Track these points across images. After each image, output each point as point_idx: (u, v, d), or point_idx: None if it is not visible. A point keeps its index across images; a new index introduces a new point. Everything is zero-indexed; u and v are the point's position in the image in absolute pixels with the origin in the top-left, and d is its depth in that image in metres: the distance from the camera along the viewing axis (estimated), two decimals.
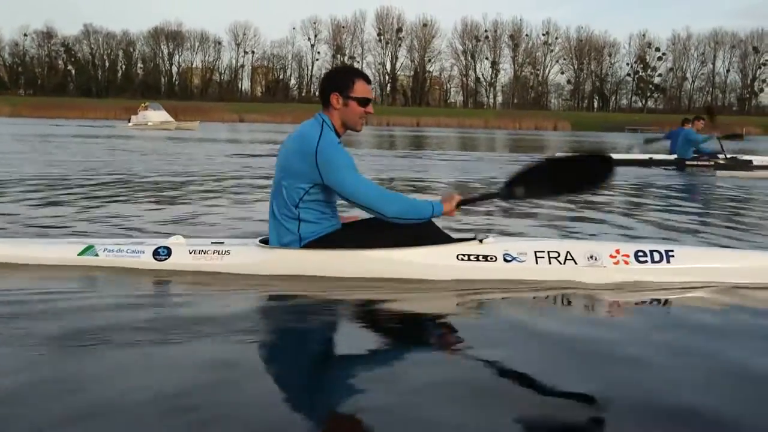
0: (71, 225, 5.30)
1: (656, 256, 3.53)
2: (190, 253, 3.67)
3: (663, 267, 3.51)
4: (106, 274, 3.58)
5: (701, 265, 3.56)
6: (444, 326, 3.00)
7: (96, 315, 2.88)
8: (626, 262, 3.51)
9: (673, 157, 13.69)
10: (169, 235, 4.08)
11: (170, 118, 44.01)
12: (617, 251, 3.54)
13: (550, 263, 3.50)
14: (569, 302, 3.30)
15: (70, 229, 5.11)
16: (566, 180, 3.50)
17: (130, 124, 43.31)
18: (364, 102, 3.47)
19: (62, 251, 3.81)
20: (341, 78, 3.50)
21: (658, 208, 7.49)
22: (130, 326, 2.72)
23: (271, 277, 3.51)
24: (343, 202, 3.55)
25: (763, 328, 2.94)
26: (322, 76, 3.65)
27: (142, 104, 47.80)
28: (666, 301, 3.35)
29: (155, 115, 43.86)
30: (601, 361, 2.46)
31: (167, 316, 2.91)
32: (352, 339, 2.83)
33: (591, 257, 3.51)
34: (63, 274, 3.59)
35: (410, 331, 2.94)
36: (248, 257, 3.62)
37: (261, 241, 3.70)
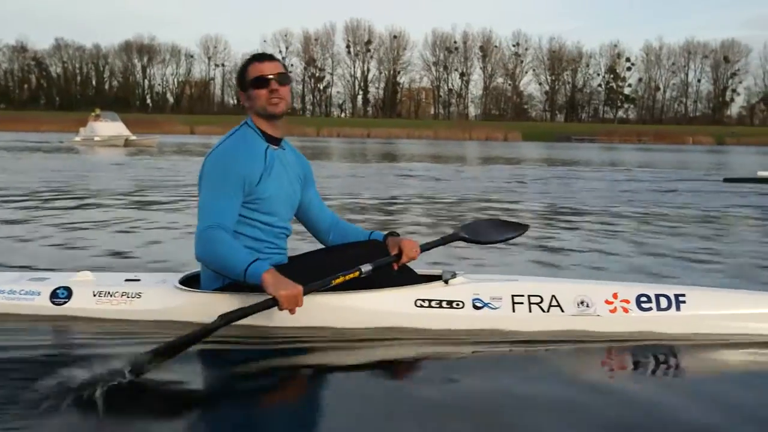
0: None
1: (663, 302, 2.90)
2: (95, 295, 3.12)
3: (671, 315, 2.88)
4: None
5: (721, 312, 2.91)
6: (391, 390, 2.40)
7: None
8: (625, 310, 2.89)
9: None
10: (78, 269, 3.44)
11: (124, 132, 35.46)
12: (615, 295, 2.92)
13: (530, 311, 2.89)
14: (551, 362, 2.64)
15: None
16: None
17: (77, 138, 36.04)
18: (259, 82, 2.86)
19: None
20: (239, 75, 2.99)
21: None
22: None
23: (187, 325, 2.85)
24: (303, 230, 3.20)
25: None
26: None
27: (92, 113, 37.73)
28: (675, 361, 2.72)
29: (105, 128, 35.69)
30: None
31: (56, 375, 2.32)
32: (267, 402, 2.34)
33: (582, 303, 2.90)
34: None
35: (345, 392, 2.34)
36: (160, 301, 3.03)
37: (185, 278, 3.15)
